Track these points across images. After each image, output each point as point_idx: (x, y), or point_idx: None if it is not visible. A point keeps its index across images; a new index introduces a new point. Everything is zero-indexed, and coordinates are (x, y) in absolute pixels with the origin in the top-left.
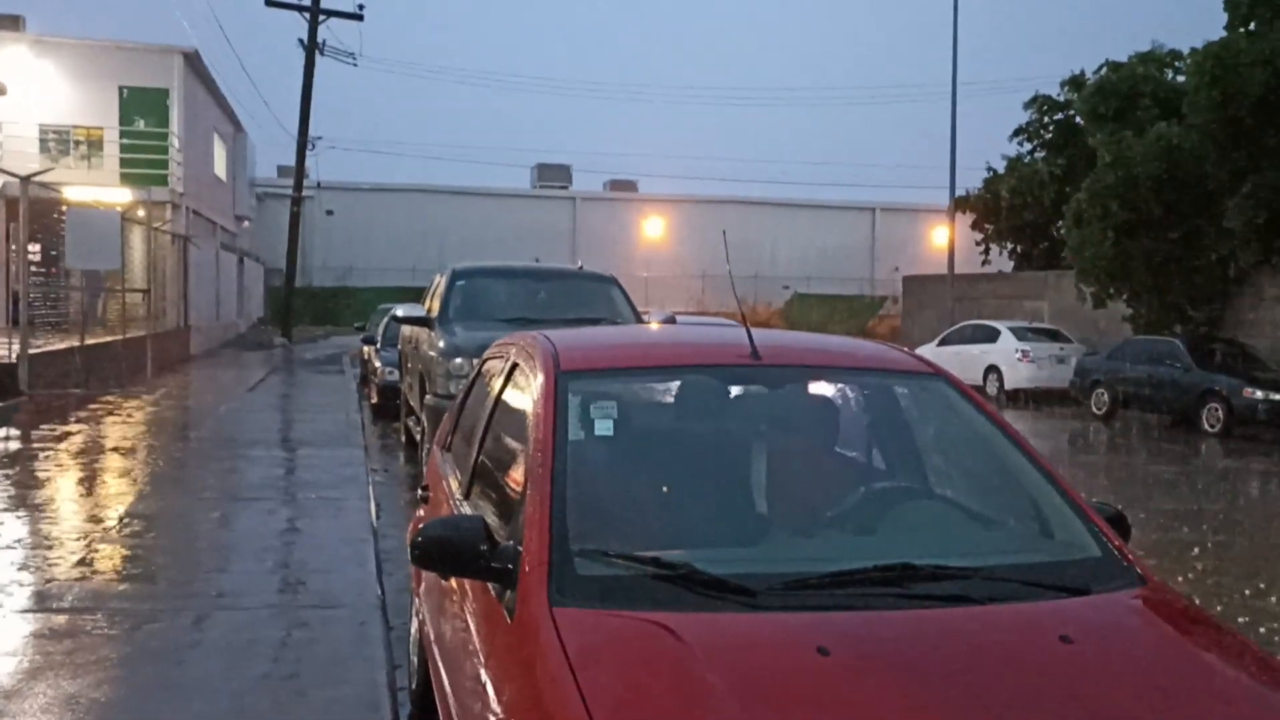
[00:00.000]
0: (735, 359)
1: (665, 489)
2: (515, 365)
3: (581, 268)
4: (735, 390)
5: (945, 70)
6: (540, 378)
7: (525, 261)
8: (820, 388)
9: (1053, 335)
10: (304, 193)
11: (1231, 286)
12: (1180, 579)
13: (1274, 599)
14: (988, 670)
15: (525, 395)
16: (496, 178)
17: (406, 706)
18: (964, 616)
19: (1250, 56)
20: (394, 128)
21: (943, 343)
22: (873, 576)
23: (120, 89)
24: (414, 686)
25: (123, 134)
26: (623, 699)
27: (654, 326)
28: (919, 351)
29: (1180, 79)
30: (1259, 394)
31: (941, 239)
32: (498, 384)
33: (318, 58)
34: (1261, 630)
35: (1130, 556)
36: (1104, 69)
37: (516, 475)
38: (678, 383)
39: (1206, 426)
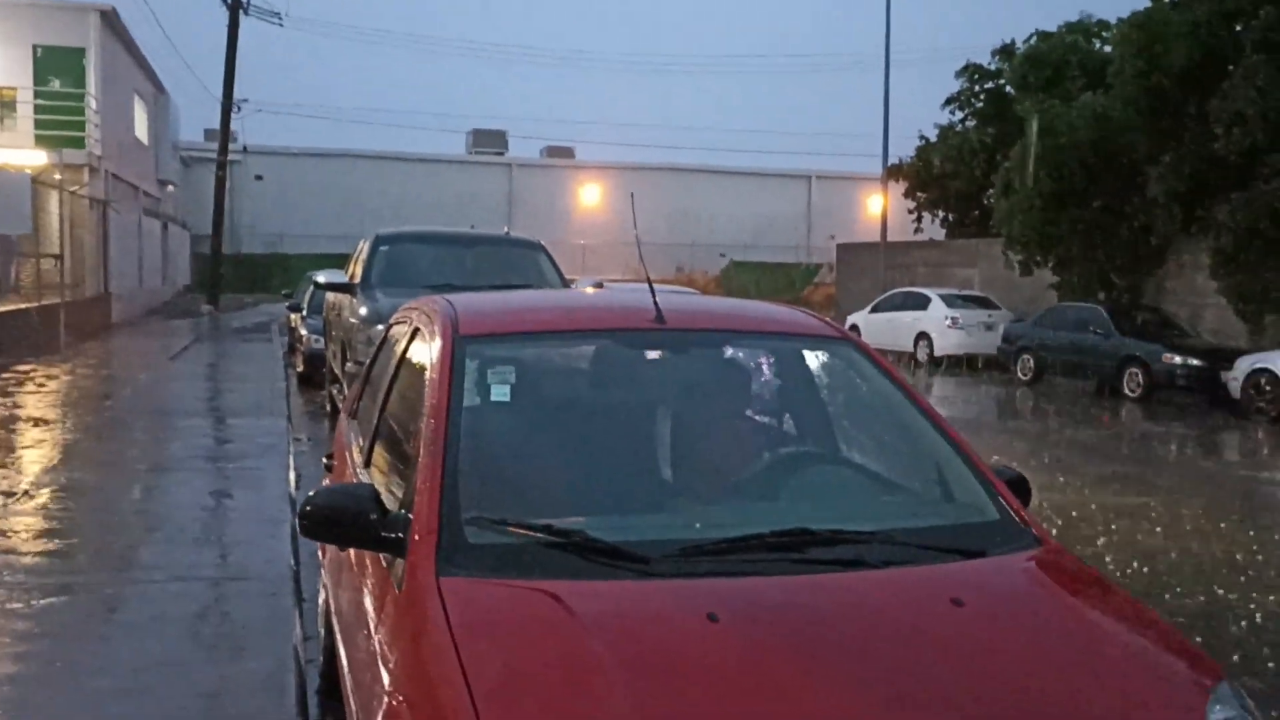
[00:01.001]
0: (639, 323)
1: (564, 456)
2: (417, 330)
3: (508, 233)
4: (639, 355)
5: (880, 38)
6: (438, 342)
7: (451, 228)
8: (727, 352)
9: (982, 302)
10: (230, 157)
11: (1153, 254)
12: (1101, 540)
13: (1188, 556)
14: (877, 633)
15: (424, 360)
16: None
17: (316, 680)
18: (857, 580)
19: (1175, 27)
20: (325, 91)
21: (875, 310)
22: (769, 542)
23: (34, 48)
24: (322, 659)
25: (37, 94)
26: (504, 671)
27: (563, 291)
28: (851, 318)
29: (1107, 49)
30: (1178, 360)
31: (876, 207)
32: (400, 349)
33: (242, 17)
34: (1178, 589)
35: (1028, 519)
36: (1034, 38)
37: (412, 443)
38: (581, 348)
39: (1128, 391)
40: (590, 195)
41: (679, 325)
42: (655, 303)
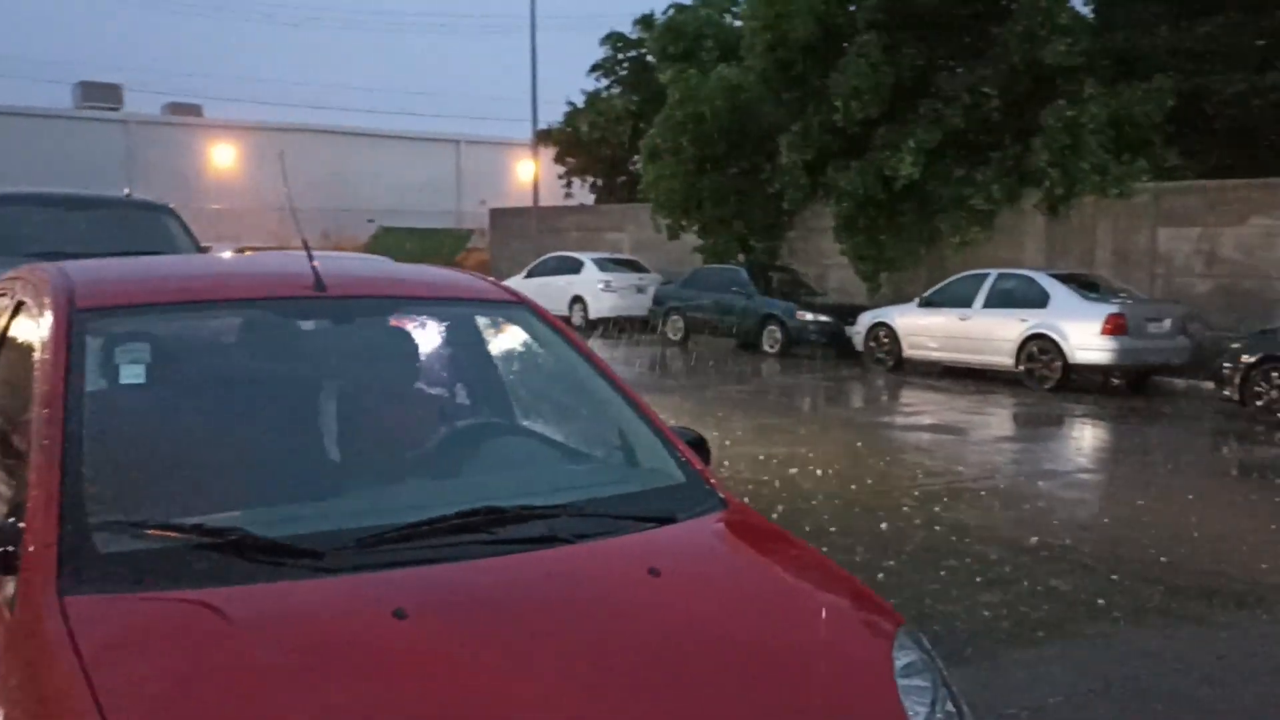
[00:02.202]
0: (296, 291)
1: (214, 443)
2: (21, 304)
3: (129, 195)
4: (297, 326)
5: (524, 2)
6: (49, 317)
7: (61, 189)
8: (396, 320)
9: (633, 266)
10: None
11: (786, 218)
12: (772, 485)
13: (832, 489)
14: (577, 611)
15: (31, 340)
16: (30, 96)
17: None
18: (553, 558)
19: (797, 4)
20: None
21: (530, 274)
22: (455, 524)
23: None
24: None
25: None
26: (151, 703)
27: (206, 256)
28: (507, 283)
29: (739, 23)
30: (809, 316)
31: (526, 172)
32: None
33: None
34: (833, 529)
35: (713, 480)
36: (671, 10)
37: (22, 438)
38: (229, 320)
39: (767, 347)
40: (223, 157)
41: (341, 293)
42: (314, 268)
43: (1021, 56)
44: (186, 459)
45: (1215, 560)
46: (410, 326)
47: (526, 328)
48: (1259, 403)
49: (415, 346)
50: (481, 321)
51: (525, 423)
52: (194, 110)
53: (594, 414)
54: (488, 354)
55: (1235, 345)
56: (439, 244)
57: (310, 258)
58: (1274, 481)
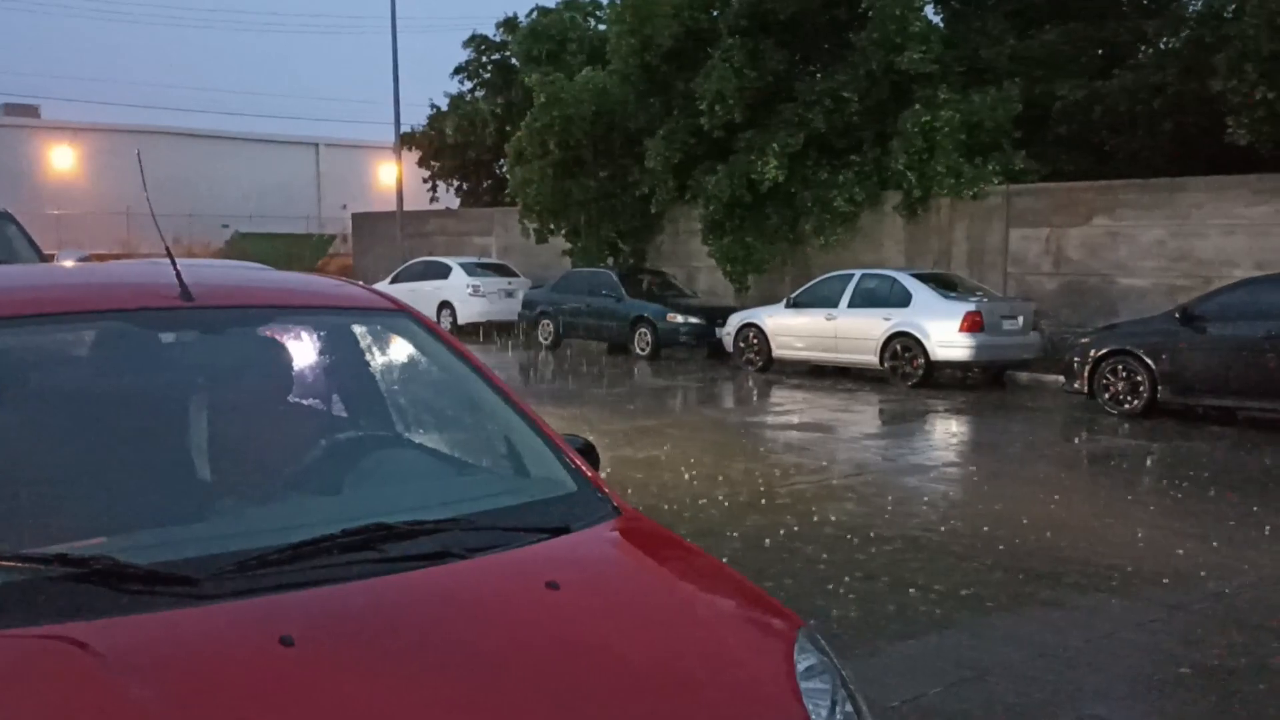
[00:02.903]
0: (160, 301)
1: (74, 465)
2: None
3: None
4: (162, 339)
5: (385, 3)
6: None
7: None
8: (269, 330)
9: (501, 270)
10: None
11: (654, 221)
12: (646, 488)
13: (704, 490)
14: (474, 630)
15: None
16: None
17: None
18: (447, 574)
19: (661, 9)
20: None
21: (395, 280)
22: (342, 543)
23: None
24: None
25: None
26: None
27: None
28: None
29: (604, 27)
30: (679, 319)
31: (389, 176)
32: None
33: None
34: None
35: (604, 487)
36: (535, 13)
37: None
38: (86, 333)
39: (638, 350)
40: (63, 159)
41: (210, 302)
42: (179, 277)
43: (879, 63)
44: (44, 483)
45: (1076, 546)
46: (285, 337)
47: (407, 336)
48: (1105, 395)
49: (290, 358)
50: (359, 330)
51: (408, 434)
52: (30, 110)
53: (480, 423)
54: (368, 363)
55: (1082, 340)
56: (299, 250)
57: (175, 265)
58: (1123, 470)
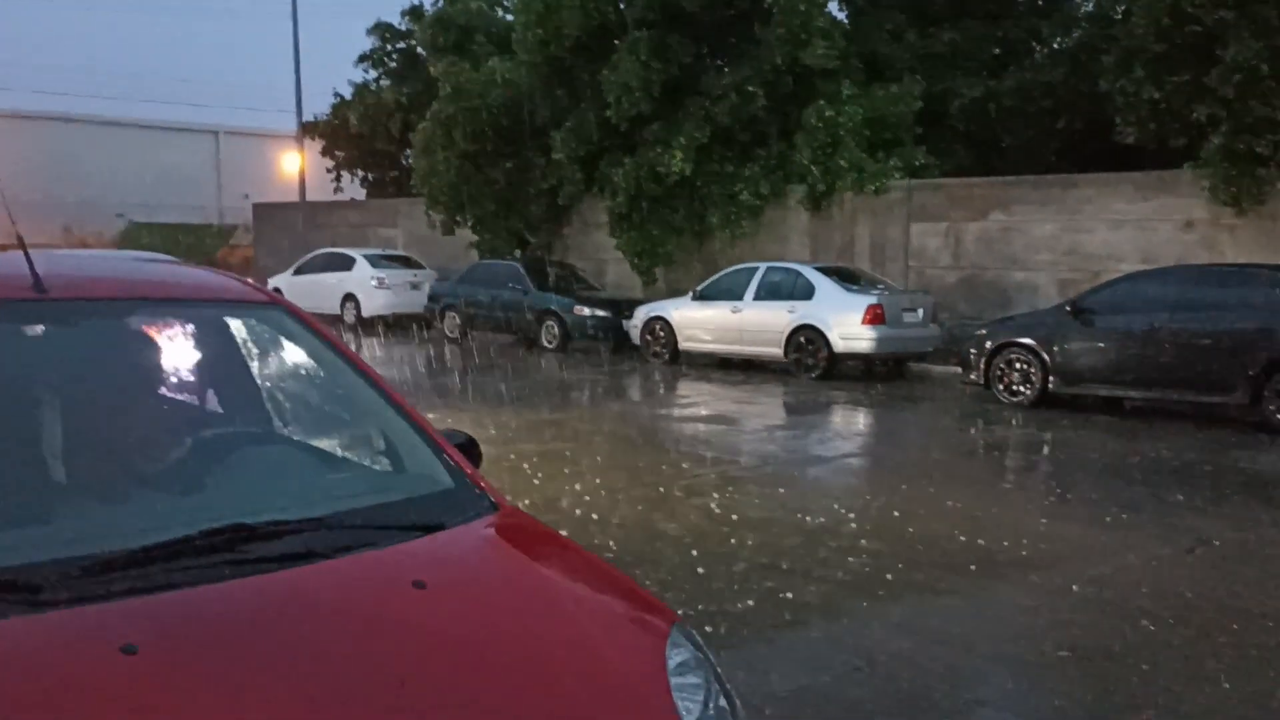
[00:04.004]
0: (11, 294)
1: None
2: None
3: None
4: (13, 333)
5: None
6: None
7: None
8: (134, 324)
9: (407, 262)
10: None
11: (561, 213)
12: (548, 481)
13: (609, 482)
14: (333, 633)
15: None
16: None
17: None
18: (310, 575)
19: (569, 1)
20: None
21: (298, 272)
22: (198, 545)
23: None
24: None
25: None
26: None
27: None
28: (273, 281)
29: (511, 17)
30: (587, 311)
31: (292, 165)
32: None
33: None
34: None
35: (483, 483)
36: (441, 2)
37: None
38: None
39: (545, 343)
40: None
41: (67, 295)
42: (32, 268)
43: (783, 58)
44: None
45: (968, 534)
46: (151, 331)
47: (282, 330)
48: (1000, 385)
49: (157, 352)
50: (233, 324)
51: (283, 430)
52: None
53: (356, 419)
54: (241, 358)
55: (978, 333)
56: (199, 240)
57: (27, 256)
58: (1015, 459)
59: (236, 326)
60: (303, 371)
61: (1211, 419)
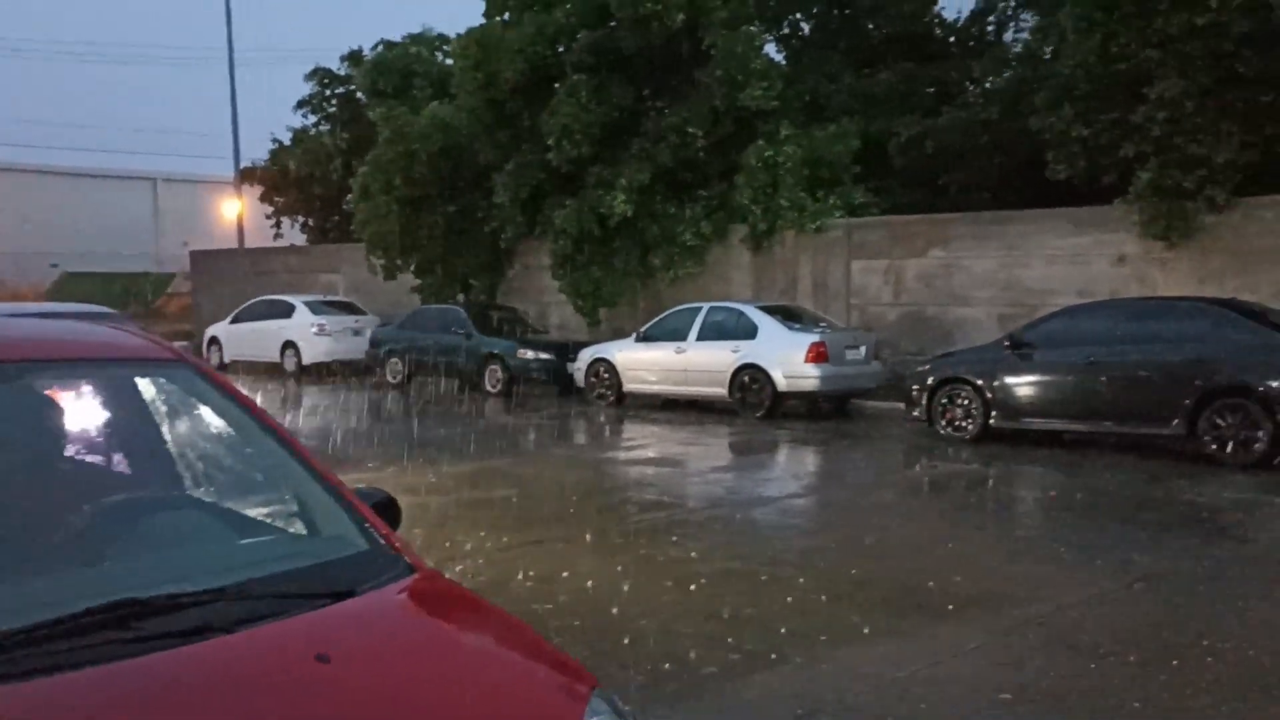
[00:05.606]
0: None
1: None
2: None
3: None
4: None
5: (222, 35)
6: None
7: None
8: (34, 386)
9: (348, 308)
10: None
11: (504, 257)
12: (491, 530)
13: (551, 531)
14: (228, 714)
15: None
16: None
17: None
18: (206, 652)
19: (507, 44)
20: None
21: (237, 320)
22: (84, 623)
23: None
24: None
25: None
26: None
27: None
28: (211, 330)
29: (450, 61)
30: (531, 354)
31: (231, 212)
32: None
33: None
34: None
35: (399, 544)
36: (380, 47)
37: None
38: None
39: (490, 387)
40: None
41: None
42: None
43: (722, 99)
44: None
45: (912, 574)
46: (55, 393)
47: (190, 389)
48: (943, 421)
49: (59, 415)
50: (141, 383)
51: (195, 494)
52: None
53: (268, 480)
54: (150, 419)
55: (920, 369)
56: (136, 289)
57: None
58: (961, 494)
59: (144, 386)
60: (213, 431)
61: (1150, 450)
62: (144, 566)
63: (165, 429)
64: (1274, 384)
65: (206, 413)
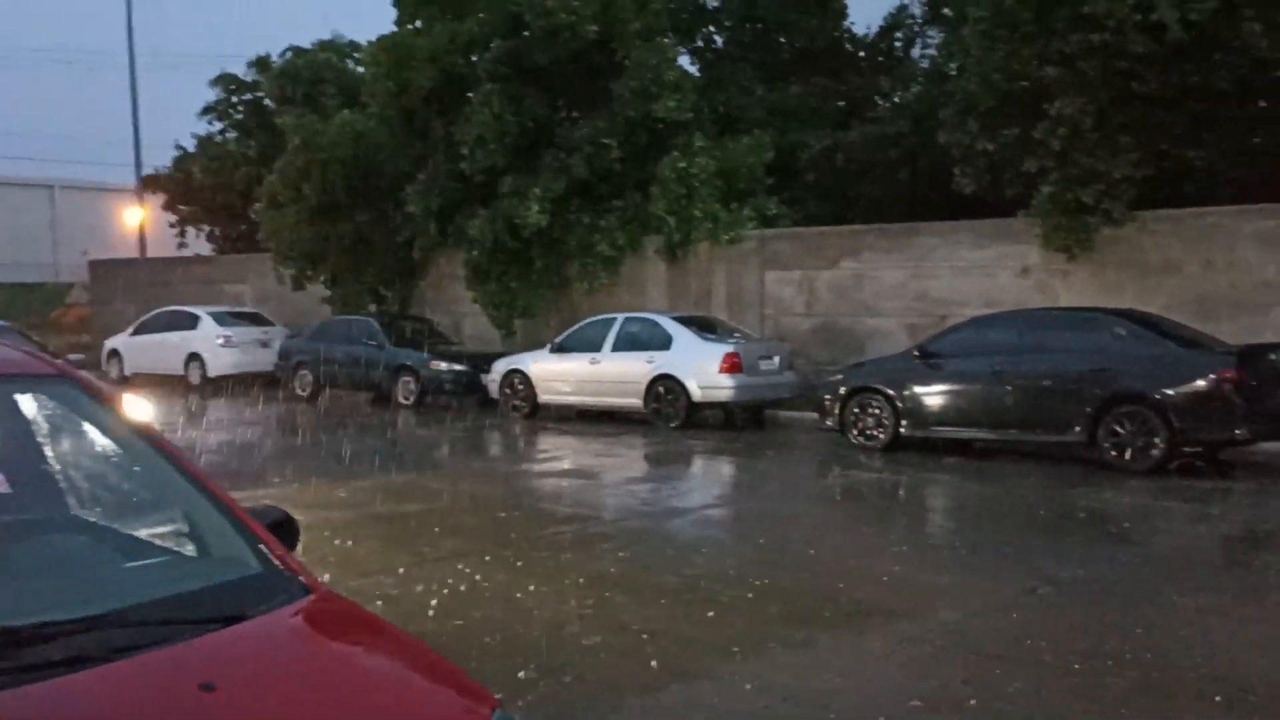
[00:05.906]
0: None
1: None
2: None
3: None
4: None
5: (123, 38)
6: None
7: None
8: None
9: (255, 319)
10: None
11: (416, 267)
12: (399, 545)
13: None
14: None
15: None
16: None
17: None
18: (81, 684)
19: (418, 52)
20: None
21: (138, 331)
22: None
23: None
24: None
25: None
26: None
27: None
28: (110, 342)
29: (361, 69)
30: (444, 366)
31: (133, 221)
32: None
33: None
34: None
35: (294, 565)
36: (289, 53)
37: None
38: None
39: (401, 399)
40: None
41: None
42: None
43: (636, 110)
44: None
45: (825, 585)
46: None
47: (74, 405)
48: (855, 430)
49: None
50: (21, 399)
51: (78, 514)
52: None
53: (156, 500)
54: (31, 437)
55: (832, 379)
56: (32, 300)
57: None
58: (872, 503)
59: (25, 403)
60: (99, 450)
61: (1054, 457)
62: (20, 593)
63: (48, 448)
64: (1169, 391)
65: (92, 430)
